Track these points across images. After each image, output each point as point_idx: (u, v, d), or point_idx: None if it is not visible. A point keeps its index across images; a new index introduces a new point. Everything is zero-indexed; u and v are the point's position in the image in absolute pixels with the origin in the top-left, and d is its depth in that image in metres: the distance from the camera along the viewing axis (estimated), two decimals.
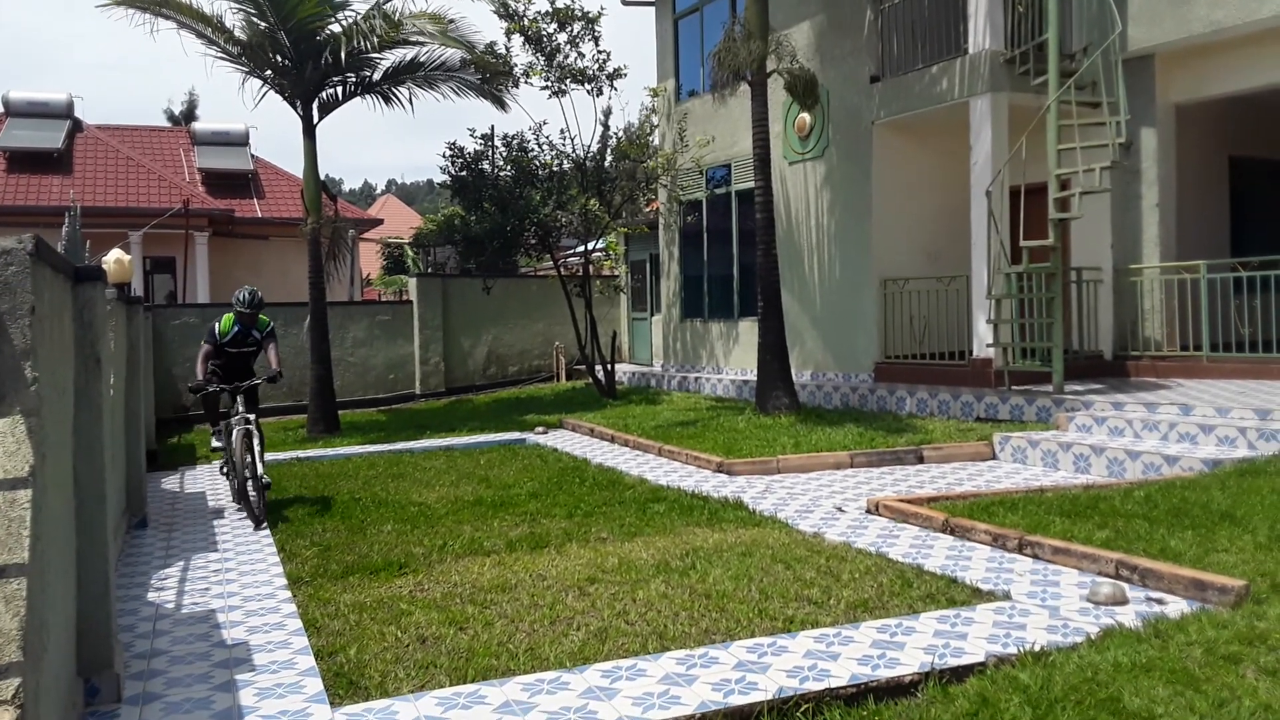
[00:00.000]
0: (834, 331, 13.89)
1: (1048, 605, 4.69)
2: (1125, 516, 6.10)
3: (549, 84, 15.05)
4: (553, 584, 5.25)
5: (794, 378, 12.38)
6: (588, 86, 15.26)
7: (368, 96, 14.17)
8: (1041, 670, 3.81)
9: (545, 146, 15.98)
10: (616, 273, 21.07)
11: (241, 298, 8.19)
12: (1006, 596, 4.84)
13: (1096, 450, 8.44)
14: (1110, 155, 10.24)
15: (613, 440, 11.36)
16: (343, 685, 3.97)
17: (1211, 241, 12.31)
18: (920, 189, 13.18)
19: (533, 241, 16.55)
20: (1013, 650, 4.04)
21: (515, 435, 12.03)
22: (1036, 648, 4.05)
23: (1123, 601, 4.66)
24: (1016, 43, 11.51)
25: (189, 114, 40.31)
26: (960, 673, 3.88)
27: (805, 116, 13.97)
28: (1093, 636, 4.20)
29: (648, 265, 19.58)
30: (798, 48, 12.82)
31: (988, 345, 11.26)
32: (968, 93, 11.65)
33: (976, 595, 4.88)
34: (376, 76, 13.96)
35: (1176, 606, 4.58)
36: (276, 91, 13.57)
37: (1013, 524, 6.06)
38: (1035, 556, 5.58)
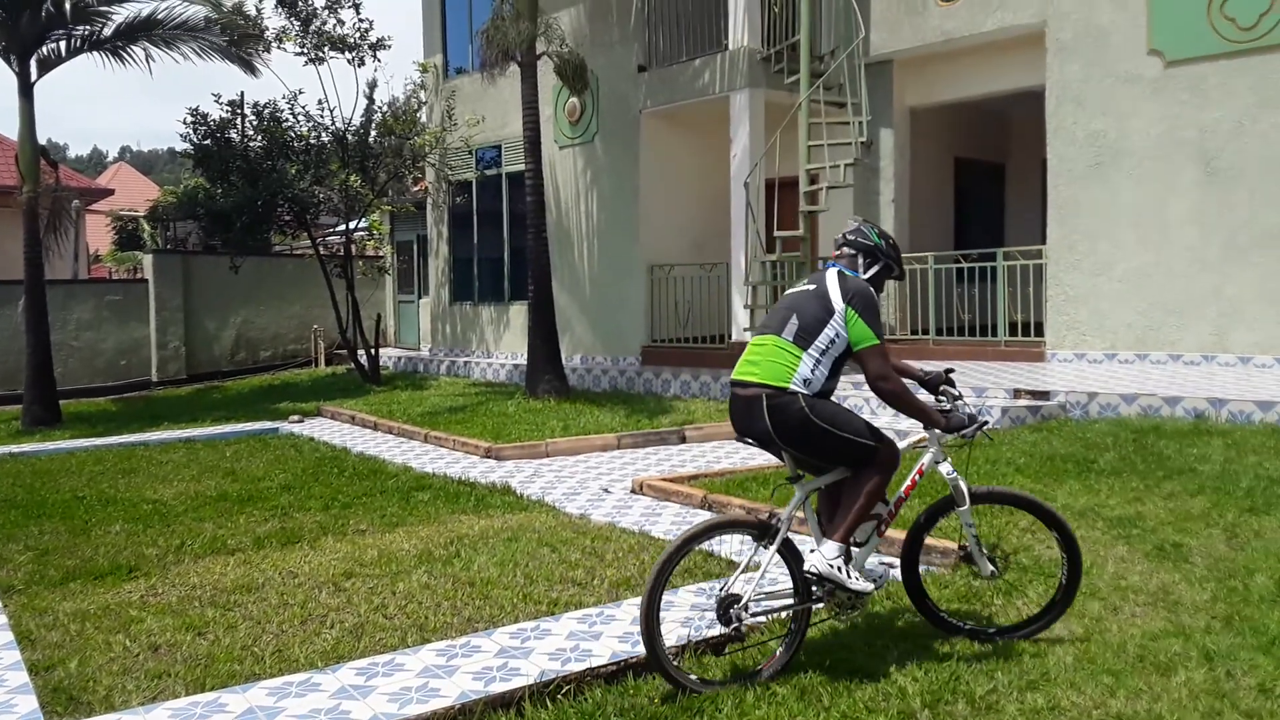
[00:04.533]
0: (603, 315, 14.07)
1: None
2: None
3: (304, 50, 14.23)
4: (305, 581, 4.97)
5: (564, 361, 12.43)
6: (348, 56, 14.59)
7: (96, 53, 12.81)
8: None
9: (301, 117, 15.10)
10: (381, 253, 20.29)
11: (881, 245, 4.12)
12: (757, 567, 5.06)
13: None
14: (853, 153, 10.97)
15: (375, 427, 10.94)
16: (61, 701, 3.58)
17: (939, 235, 13.52)
18: (686, 178, 13.58)
19: (287, 218, 15.59)
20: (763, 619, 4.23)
21: (267, 425, 11.32)
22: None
23: None
24: (773, 41, 12.08)
25: None
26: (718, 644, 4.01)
27: (575, 101, 14.01)
28: None
29: (415, 246, 18.99)
30: (568, 32, 12.84)
31: (744, 329, 11.80)
32: (728, 87, 12.11)
33: (732, 567, 5.07)
34: (107, 32, 12.66)
35: None
36: None
37: (764, 498, 6.37)
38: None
